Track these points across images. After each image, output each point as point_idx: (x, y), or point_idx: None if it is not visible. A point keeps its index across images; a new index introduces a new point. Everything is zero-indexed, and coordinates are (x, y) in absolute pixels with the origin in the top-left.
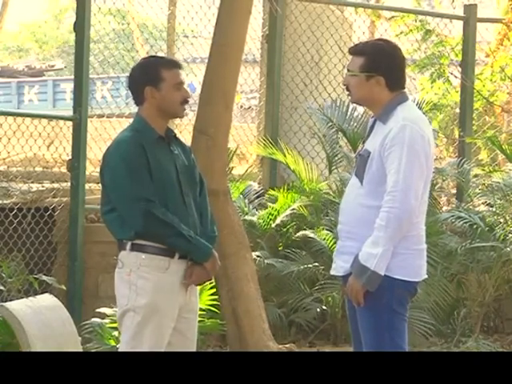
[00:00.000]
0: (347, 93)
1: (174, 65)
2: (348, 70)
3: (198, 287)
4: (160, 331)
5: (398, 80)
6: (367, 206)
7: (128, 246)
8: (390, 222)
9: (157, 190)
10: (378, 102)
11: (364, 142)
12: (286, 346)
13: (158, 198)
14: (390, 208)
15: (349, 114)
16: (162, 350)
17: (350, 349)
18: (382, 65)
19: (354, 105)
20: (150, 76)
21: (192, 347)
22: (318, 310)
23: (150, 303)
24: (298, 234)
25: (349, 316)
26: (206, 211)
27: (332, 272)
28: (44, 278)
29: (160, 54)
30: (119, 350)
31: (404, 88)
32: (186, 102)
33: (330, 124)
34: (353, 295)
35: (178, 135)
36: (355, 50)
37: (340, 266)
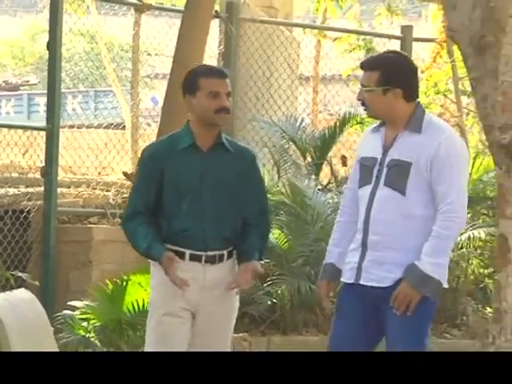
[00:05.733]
0: (363, 108)
1: (213, 73)
2: (362, 86)
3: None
4: (161, 328)
5: (414, 90)
6: (413, 216)
7: None
8: (453, 230)
9: (169, 191)
10: (398, 113)
11: (386, 153)
12: (240, 335)
13: (169, 198)
14: (454, 217)
15: (302, 126)
16: (173, 347)
17: (298, 337)
18: (398, 77)
19: (303, 117)
20: (189, 85)
21: (216, 347)
22: (269, 302)
23: (153, 300)
24: None
25: (357, 323)
26: (254, 229)
27: (370, 283)
28: (20, 274)
29: (209, 64)
30: None
31: (418, 97)
32: (224, 110)
33: (282, 135)
34: (403, 303)
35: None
36: (368, 65)
37: (383, 276)
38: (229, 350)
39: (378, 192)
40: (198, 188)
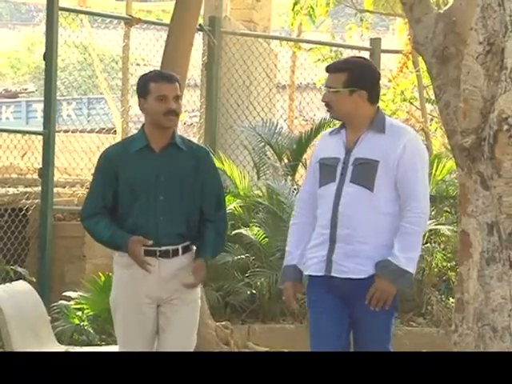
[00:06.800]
0: (327, 109)
1: (162, 78)
2: (329, 87)
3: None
4: (125, 323)
5: (377, 94)
6: (382, 213)
7: None
8: (422, 226)
9: (124, 191)
10: (362, 115)
11: (349, 153)
12: (223, 323)
13: (123, 197)
14: (421, 213)
15: (278, 130)
16: (138, 340)
17: (276, 325)
18: (364, 80)
19: (280, 123)
20: (141, 89)
21: (180, 333)
22: (249, 293)
23: (114, 297)
24: (233, 233)
25: (329, 327)
26: (213, 225)
27: (343, 275)
28: (19, 269)
29: (156, 69)
30: None
31: (379, 101)
32: (172, 112)
33: (260, 139)
34: (382, 298)
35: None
36: (336, 68)
37: (356, 268)
38: (194, 338)
39: (345, 189)
40: (151, 187)
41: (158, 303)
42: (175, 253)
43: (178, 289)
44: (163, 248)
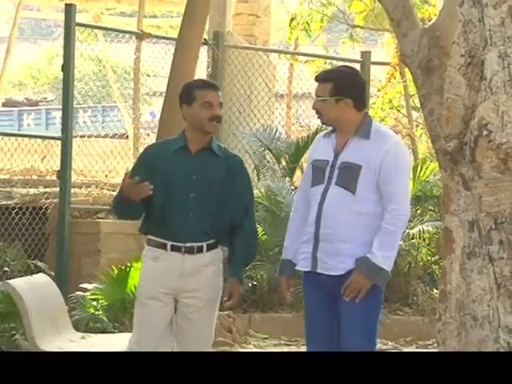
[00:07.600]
0: (317, 116)
1: (207, 86)
2: (317, 96)
3: None
4: (143, 309)
5: (363, 101)
6: (363, 213)
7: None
8: (400, 226)
9: (157, 187)
10: (348, 121)
11: (337, 156)
12: (225, 312)
13: (156, 193)
14: (400, 215)
15: (276, 135)
16: (152, 327)
17: (275, 315)
18: (349, 88)
19: (279, 129)
20: (186, 96)
21: (199, 332)
22: (250, 284)
23: (139, 286)
24: None
25: (320, 319)
26: (241, 232)
27: (327, 272)
28: (39, 264)
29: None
30: None
31: (366, 107)
32: (216, 118)
33: (260, 143)
34: (355, 289)
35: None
36: (323, 78)
37: (339, 266)
38: (211, 331)
39: (330, 191)
40: (184, 184)
41: (177, 296)
42: (199, 249)
43: (199, 287)
44: (188, 244)
